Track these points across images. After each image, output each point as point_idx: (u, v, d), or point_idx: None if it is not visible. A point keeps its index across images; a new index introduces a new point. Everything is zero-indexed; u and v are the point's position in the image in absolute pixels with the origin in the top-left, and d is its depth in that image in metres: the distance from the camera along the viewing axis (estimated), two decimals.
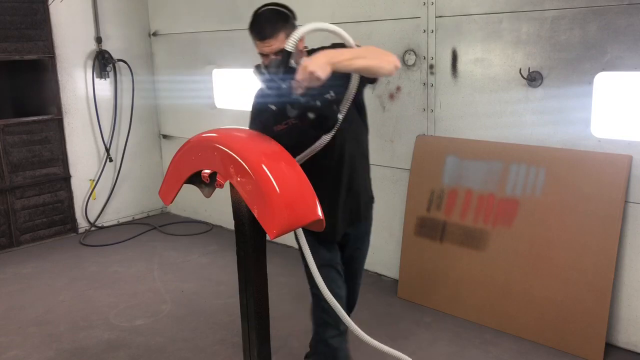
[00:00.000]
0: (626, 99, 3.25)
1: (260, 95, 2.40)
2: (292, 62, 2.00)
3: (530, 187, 3.41)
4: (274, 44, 2.17)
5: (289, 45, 1.96)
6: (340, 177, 2.47)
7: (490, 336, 3.48)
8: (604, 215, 3.15)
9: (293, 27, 2.23)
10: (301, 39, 2.21)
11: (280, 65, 2.01)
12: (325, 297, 2.26)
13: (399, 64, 2.22)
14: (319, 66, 1.92)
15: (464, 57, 3.67)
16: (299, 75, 1.93)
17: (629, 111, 3.24)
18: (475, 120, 3.69)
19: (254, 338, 2.03)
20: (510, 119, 3.53)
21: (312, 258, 2.23)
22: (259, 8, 2.28)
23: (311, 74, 1.91)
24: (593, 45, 3.14)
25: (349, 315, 2.67)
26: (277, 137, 2.24)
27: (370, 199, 2.69)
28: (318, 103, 2.01)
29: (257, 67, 2.21)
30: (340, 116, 2.13)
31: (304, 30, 1.99)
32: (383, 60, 2.17)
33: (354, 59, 2.07)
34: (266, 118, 2.26)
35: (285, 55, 1.99)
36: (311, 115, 2.01)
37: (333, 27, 2.07)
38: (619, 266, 3.19)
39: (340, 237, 2.58)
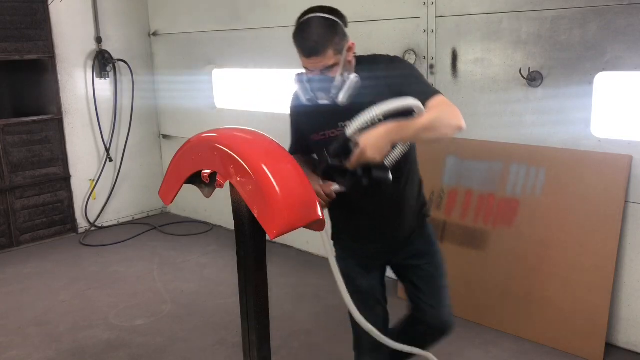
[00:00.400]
0: (626, 99, 3.25)
1: (296, 97, 2.21)
2: (351, 145, 1.89)
3: (530, 187, 3.41)
4: (321, 62, 1.97)
5: (350, 131, 1.87)
6: (394, 199, 2.29)
7: (490, 336, 3.48)
8: (604, 215, 3.15)
9: (343, 37, 2.02)
10: (350, 49, 2.05)
11: (339, 152, 1.90)
12: (358, 321, 2.21)
13: (464, 125, 2.00)
14: (378, 151, 1.81)
15: (464, 57, 3.67)
16: (355, 159, 1.84)
17: (629, 111, 3.24)
18: (475, 120, 3.68)
19: (254, 338, 2.03)
20: (510, 119, 3.53)
21: (344, 286, 2.17)
22: (305, 13, 2.03)
23: (370, 159, 1.82)
24: (593, 45, 3.14)
25: (441, 339, 2.48)
26: (313, 147, 2.15)
27: (423, 215, 2.43)
28: (372, 172, 1.93)
29: (299, 76, 2.06)
30: (391, 176, 1.99)
31: (366, 117, 1.87)
32: (449, 127, 1.97)
33: (417, 135, 1.91)
34: (303, 125, 2.18)
35: (345, 141, 1.89)
36: (365, 181, 1.94)
37: (399, 103, 1.91)
38: (619, 266, 3.19)
39: (385, 260, 2.43)
